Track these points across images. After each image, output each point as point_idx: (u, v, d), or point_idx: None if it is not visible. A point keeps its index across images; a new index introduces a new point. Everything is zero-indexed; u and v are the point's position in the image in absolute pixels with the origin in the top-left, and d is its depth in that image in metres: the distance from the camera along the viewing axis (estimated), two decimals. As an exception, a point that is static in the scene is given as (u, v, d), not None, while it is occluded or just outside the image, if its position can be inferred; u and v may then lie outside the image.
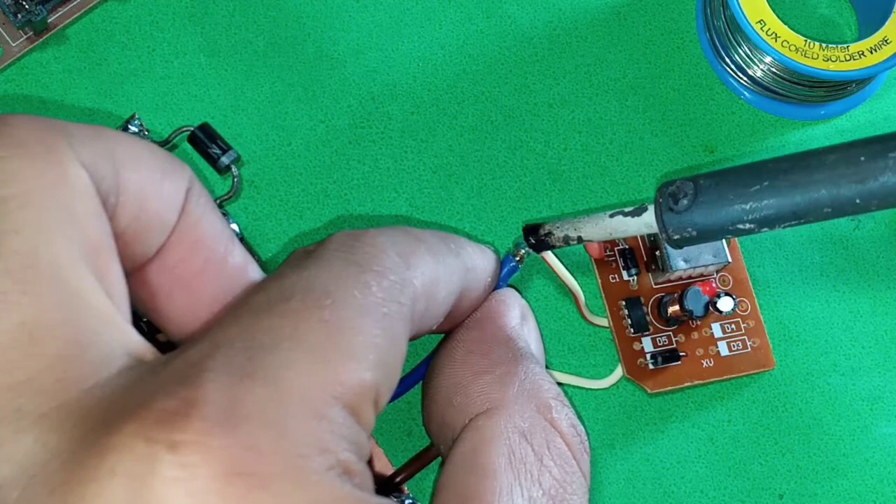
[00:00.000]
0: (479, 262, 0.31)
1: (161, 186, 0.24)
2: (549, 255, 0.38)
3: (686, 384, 0.40)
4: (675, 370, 0.40)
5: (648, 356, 0.40)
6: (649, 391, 0.40)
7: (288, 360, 0.21)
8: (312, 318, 0.22)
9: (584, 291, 0.40)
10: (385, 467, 0.37)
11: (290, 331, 0.21)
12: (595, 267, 0.41)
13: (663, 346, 0.41)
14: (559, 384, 0.40)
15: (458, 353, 0.30)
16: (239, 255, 0.26)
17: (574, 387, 0.40)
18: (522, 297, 0.33)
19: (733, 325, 0.41)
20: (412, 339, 0.26)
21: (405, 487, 0.36)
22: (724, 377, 0.41)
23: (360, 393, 0.22)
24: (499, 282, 0.33)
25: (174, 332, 0.26)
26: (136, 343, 0.22)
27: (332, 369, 0.21)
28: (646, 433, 0.41)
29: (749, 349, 0.41)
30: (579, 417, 0.29)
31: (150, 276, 0.25)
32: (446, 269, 0.28)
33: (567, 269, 0.39)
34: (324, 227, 0.41)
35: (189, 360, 0.21)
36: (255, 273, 0.26)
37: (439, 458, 0.33)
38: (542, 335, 0.33)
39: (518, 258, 0.35)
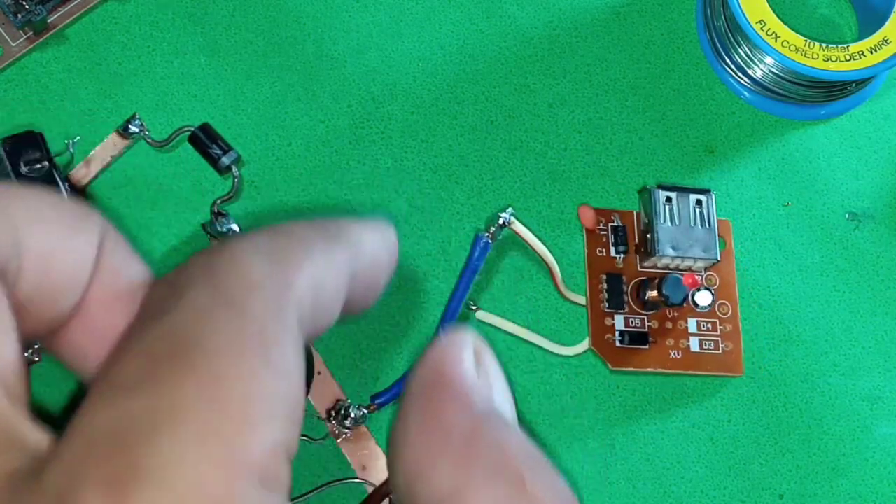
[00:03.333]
0: (369, 239, 0.27)
1: (68, 244, 0.22)
2: (521, 229, 0.38)
3: (649, 370, 0.41)
4: (641, 354, 0.41)
5: (617, 333, 0.40)
6: (611, 367, 0.40)
7: (176, 450, 0.18)
8: (188, 384, 0.19)
9: (561, 261, 0.41)
10: (385, 467, 0.37)
11: (167, 410, 0.19)
12: (585, 236, 0.41)
13: (635, 327, 0.41)
14: (527, 343, 0.40)
15: (411, 431, 0.26)
16: None
17: (542, 349, 0.41)
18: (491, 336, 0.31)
19: (710, 325, 0.41)
20: (308, 340, 0.23)
21: None
22: (690, 372, 0.41)
23: (269, 457, 0.19)
24: (474, 261, 0.32)
25: None
26: (35, 441, 0.19)
27: (229, 445, 0.18)
28: (646, 433, 0.41)
29: (720, 351, 0.41)
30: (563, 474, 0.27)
31: (72, 335, 0.23)
32: (328, 261, 0.24)
33: (542, 242, 0.39)
34: (324, 227, 0.41)
35: (64, 469, 0.18)
36: None
37: None
38: (505, 374, 0.31)
39: (489, 234, 0.35)
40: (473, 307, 0.40)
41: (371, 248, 0.27)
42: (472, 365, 0.27)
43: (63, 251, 0.22)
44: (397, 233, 0.38)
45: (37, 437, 0.19)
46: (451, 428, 0.25)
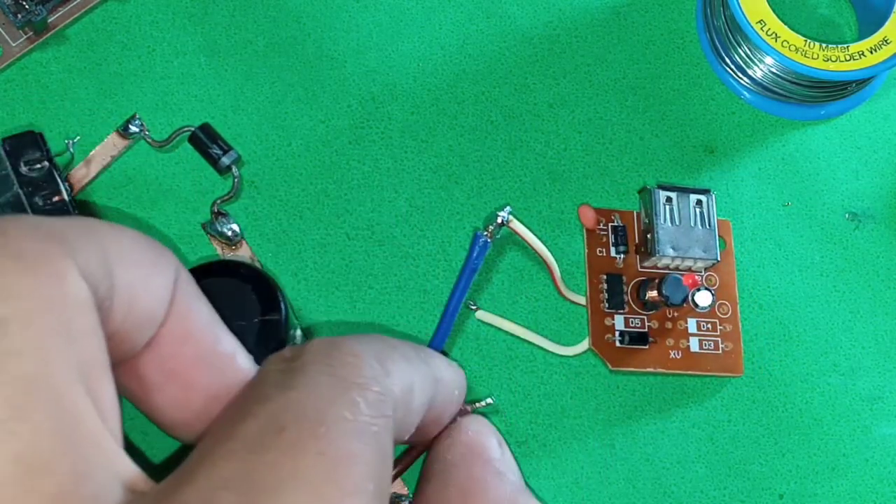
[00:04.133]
0: (447, 373, 0.30)
1: (150, 282, 0.24)
2: (519, 227, 0.38)
3: (649, 370, 0.41)
4: (641, 354, 0.41)
5: (617, 333, 0.40)
6: (611, 367, 0.40)
7: (293, 502, 0.20)
8: (310, 451, 0.21)
9: (561, 261, 0.41)
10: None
11: (290, 468, 0.21)
12: (585, 236, 0.41)
13: (635, 327, 0.41)
14: (527, 343, 0.40)
15: (451, 494, 0.30)
16: (228, 342, 0.26)
17: (542, 349, 0.41)
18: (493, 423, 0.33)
19: (709, 325, 0.41)
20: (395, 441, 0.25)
21: (405, 488, 0.37)
22: (690, 372, 0.41)
23: None
24: (473, 261, 0.33)
25: (167, 422, 0.26)
26: (129, 471, 0.21)
27: None
28: (646, 433, 0.41)
29: (720, 351, 0.41)
30: None
31: (141, 369, 0.25)
32: (420, 376, 0.27)
33: (542, 241, 0.39)
34: (324, 227, 0.41)
35: None
36: (243, 361, 0.26)
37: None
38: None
39: (487, 233, 0.35)
40: (473, 307, 0.40)
41: (448, 380, 0.30)
42: (498, 445, 0.30)
43: (145, 290, 0.24)
44: (398, 236, 0.39)
45: (136, 475, 0.21)
46: (492, 495, 0.30)
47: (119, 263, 0.23)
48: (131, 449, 0.37)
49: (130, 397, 0.26)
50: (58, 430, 0.20)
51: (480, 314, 0.40)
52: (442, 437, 0.32)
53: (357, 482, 0.21)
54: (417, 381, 0.27)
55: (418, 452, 0.34)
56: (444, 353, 0.37)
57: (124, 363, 0.25)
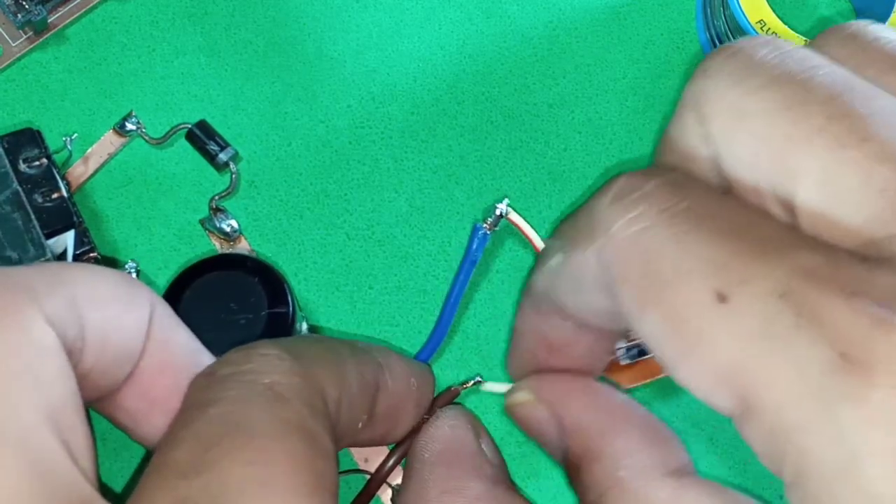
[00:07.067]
0: (395, 361, 0.30)
1: (123, 319, 0.24)
2: (517, 219, 0.37)
3: (660, 377, 0.40)
4: (648, 364, 0.40)
5: (624, 350, 0.40)
6: (625, 386, 0.40)
7: None
8: (236, 463, 0.21)
9: None
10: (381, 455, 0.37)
11: (219, 486, 0.21)
12: None
13: (633, 340, 0.40)
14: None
15: (431, 494, 0.29)
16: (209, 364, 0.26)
17: None
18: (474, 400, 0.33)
19: None
20: (340, 445, 0.25)
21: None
22: None
23: None
24: (473, 252, 0.33)
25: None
26: None
27: None
28: (646, 433, 0.41)
29: None
30: None
31: (125, 402, 0.25)
32: (353, 364, 0.27)
33: (540, 236, 0.39)
34: (324, 227, 0.41)
35: None
36: None
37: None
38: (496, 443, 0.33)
39: (486, 226, 0.35)
40: (479, 380, 0.39)
41: (398, 367, 0.29)
42: (474, 434, 0.30)
43: (118, 329, 0.24)
44: (398, 236, 0.39)
45: None
46: (469, 492, 0.29)
47: (89, 305, 0.23)
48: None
49: (123, 429, 0.26)
50: (26, 472, 0.20)
51: (487, 385, 0.39)
52: (420, 434, 0.32)
53: (288, 480, 0.21)
54: (351, 369, 0.27)
55: (409, 446, 0.34)
56: (433, 364, 0.36)
57: (108, 397, 0.25)
